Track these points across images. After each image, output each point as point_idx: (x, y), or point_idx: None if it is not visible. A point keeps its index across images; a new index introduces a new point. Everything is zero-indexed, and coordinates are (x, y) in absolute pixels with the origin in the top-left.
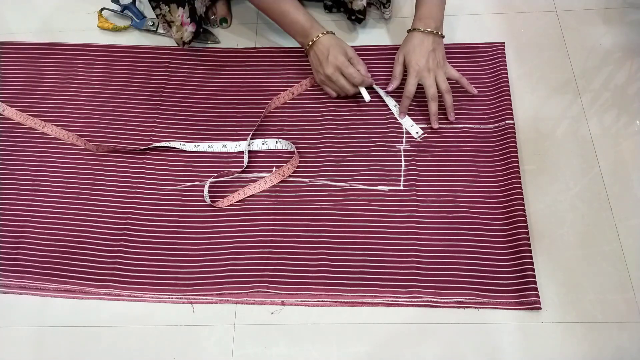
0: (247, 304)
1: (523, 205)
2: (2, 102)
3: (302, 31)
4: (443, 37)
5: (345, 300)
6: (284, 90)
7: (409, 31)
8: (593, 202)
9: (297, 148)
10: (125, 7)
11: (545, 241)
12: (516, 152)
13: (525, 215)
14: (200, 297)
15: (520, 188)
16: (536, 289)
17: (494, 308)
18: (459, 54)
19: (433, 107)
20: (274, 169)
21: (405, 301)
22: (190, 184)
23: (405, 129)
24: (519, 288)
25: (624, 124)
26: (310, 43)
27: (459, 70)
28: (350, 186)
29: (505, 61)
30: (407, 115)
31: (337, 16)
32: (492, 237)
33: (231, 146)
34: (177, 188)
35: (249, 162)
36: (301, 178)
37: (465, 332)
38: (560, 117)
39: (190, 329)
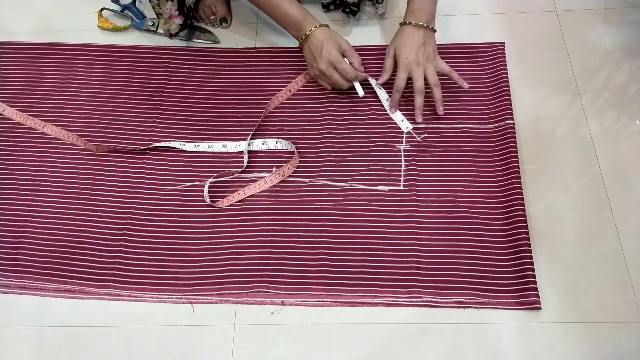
0: (247, 304)
1: (523, 205)
2: (2, 102)
3: (294, 24)
4: (434, 31)
5: (345, 300)
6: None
7: (400, 24)
8: (593, 202)
9: (297, 148)
10: (125, 7)
11: (545, 241)
12: (516, 152)
13: (525, 215)
14: (200, 297)
15: (520, 188)
16: (536, 289)
17: (494, 308)
18: (459, 54)
19: (418, 100)
20: (274, 169)
21: (405, 301)
22: (190, 184)
23: (404, 131)
24: (519, 288)
25: (624, 124)
26: (303, 37)
27: (459, 70)
28: (350, 186)
29: (505, 61)
30: (397, 110)
31: (333, 15)
32: (492, 237)
33: (231, 146)
34: (177, 188)
35: (249, 162)
36: (301, 178)
37: (465, 332)
38: (560, 117)
39: (190, 329)
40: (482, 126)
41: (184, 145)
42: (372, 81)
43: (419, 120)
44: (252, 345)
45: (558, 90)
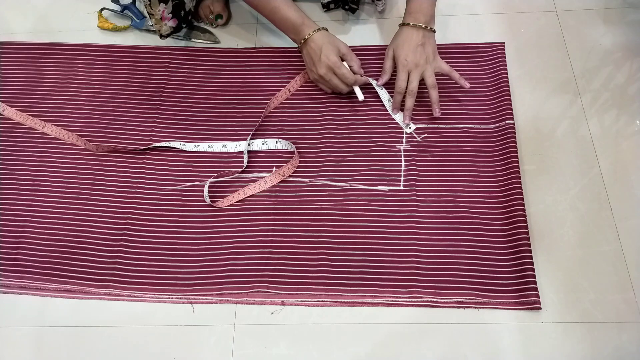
0: (247, 304)
1: (523, 205)
2: (2, 102)
3: (293, 28)
4: (434, 31)
5: (345, 300)
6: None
7: (399, 25)
8: (593, 202)
9: (297, 148)
10: (125, 7)
11: (545, 241)
12: (516, 152)
13: (525, 215)
14: (200, 297)
15: (520, 188)
16: (536, 289)
17: (494, 308)
18: (459, 54)
19: (408, 102)
20: (274, 169)
21: (405, 301)
22: (190, 184)
23: (405, 131)
24: (519, 288)
25: (624, 124)
26: (302, 41)
27: (459, 71)
28: (350, 186)
29: (505, 61)
30: (399, 111)
31: (333, 14)
32: (492, 237)
33: (231, 146)
34: (177, 188)
35: (249, 162)
36: (301, 178)
37: (465, 332)
38: (560, 117)
39: (190, 329)
40: (482, 126)
41: (184, 145)
42: (373, 82)
43: (407, 122)
44: (252, 345)
45: (558, 90)
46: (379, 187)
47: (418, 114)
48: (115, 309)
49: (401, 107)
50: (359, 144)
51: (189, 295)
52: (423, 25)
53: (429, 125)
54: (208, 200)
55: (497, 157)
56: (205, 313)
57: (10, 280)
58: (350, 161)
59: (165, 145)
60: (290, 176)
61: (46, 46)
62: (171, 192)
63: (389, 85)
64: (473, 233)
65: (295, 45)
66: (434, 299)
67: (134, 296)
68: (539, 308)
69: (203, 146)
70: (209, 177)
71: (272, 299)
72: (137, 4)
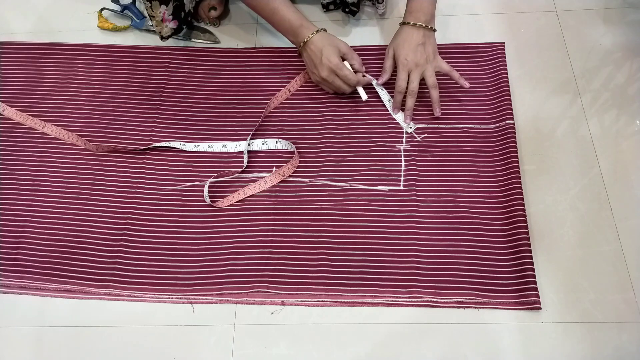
0: (247, 304)
1: (523, 205)
2: (2, 102)
3: (291, 30)
4: (434, 30)
5: (345, 300)
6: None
7: (400, 25)
8: (593, 202)
9: (297, 148)
10: (125, 7)
11: (545, 241)
12: (516, 152)
13: (525, 215)
14: (200, 297)
15: (520, 188)
16: (536, 289)
17: (494, 308)
18: (459, 54)
19: (409, 102)
20: (274, 169)
21: (405, 301)
22: (190, 184)
23: (405, 131)
24: (519, 288)
25: (624, 124)
26: (302, 44)
27: (459, 70)
28: (350, 186)
29: (505, 61)
30: (400, 111)
31: (333, 15)
32: (492, 237)
33: (231, 146)
34: (177, 188)
35: (249, 162)
36: (301, 178)
37: (465, 332)
38: (560, 117)
39: (190, 329)
40: (482, 126)
41: (184, 145)
42: (373, 82)
43: (407, 121)
44: (252, 345)
45: (558, 90)
46: (379, 187)
47: (418, 113)
48: (115, 309)
49: (402, 107)
50: (359, 144)
51: (189, 295)
52: (423, 25)
53: (429, 125)
54: (208, 200)
55: (497, 157)
56: (205, 313)
57: (10, 280)
58: (350, 161)
59: (165, 145)
60: (290, 176)
61: (46, 46)
62: (171, 192)
63: (389, 85)
64: (473, 233)
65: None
66: (434, 299)
67: (134, 296)
68: (539, 308)
69: (203, 146)
70: (209, 177)
71: (272, 299)
72: (137, 4)
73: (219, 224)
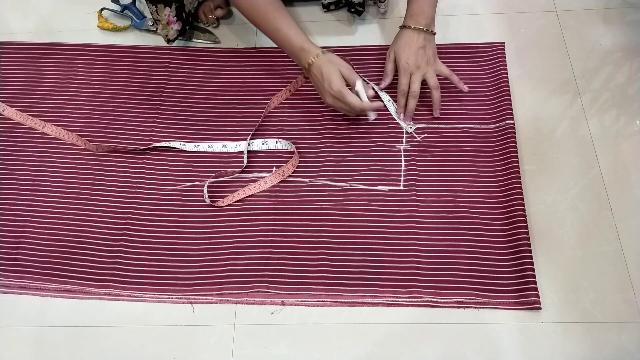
0: (247, 304)
1: (523, 205)
2: (2, 102)
3: (293, 53)
4: (434, 34)
5: (345, 300)
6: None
7: (400, 28)
8: (593, 202)
9: (297, 148)
10: (125, 7)
11: (545, 241)
12: (516, 152)
13: (525, 215)
14: (200, 297)
15: (520, 188)
16: (536, 289)
17: (494, 308)
18: (458, 54)
19: (411, 103)
20: (274, 169)
21: (405, 301)
22: (190, 184)
23: (405, 131)
24: (519, 288)
25: (624, 124)
26: (306, 68)
27: (459, 70)
28: (350, 186)
29: (505, 61)
30: (402, 113)
31: (338, 14)
32: (492, 237)
33: (231, 146)
34: (177, 188)
35: (248, 162)
36: (301, 178)
37: (465, 332)
38: (560, 117)
39: (190, 329)
40: (482, 126)
41: (184, 145)
42: (375, 87)
43: (408, 121)
44: (252, 345)
45: (558, 90)
46: (379, 187)
47: (418, 113)
48: (115, 309)
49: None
50: (359, 144)
51: (189, 295)
52: (424, 28)
53: (429, 125)
54: (208, 200)
55: (497, 157)
56: (205, 313)
57: (10, 280)
58: (350, 161)
59: (165, 145)
60: (290, 176)
61: (46, 46)
62: (171, 192)
63: (390, 86)
64: (473, 233)
65: None
66: (434, 299)
67: (134, 296)
68: (539, 308)
69: (203, 146)
70: (209, 177)
71: (272, 299)
72: (137, 4)
73: (218, 224)
